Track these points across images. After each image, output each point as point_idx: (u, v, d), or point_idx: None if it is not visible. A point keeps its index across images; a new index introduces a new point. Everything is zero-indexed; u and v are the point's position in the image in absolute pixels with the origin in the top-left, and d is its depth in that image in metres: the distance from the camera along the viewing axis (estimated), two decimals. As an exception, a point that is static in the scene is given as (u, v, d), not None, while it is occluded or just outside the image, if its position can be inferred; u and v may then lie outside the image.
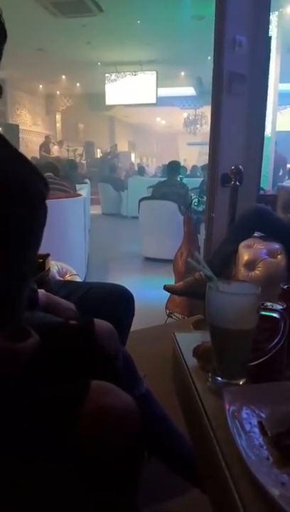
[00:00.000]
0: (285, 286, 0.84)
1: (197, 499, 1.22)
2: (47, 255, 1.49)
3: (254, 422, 0.60)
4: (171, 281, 3.17)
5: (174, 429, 1.16)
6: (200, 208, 4.31)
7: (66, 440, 0.74)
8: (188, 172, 10.72)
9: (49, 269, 1.51)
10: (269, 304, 0.76)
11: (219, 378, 0.72)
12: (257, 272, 2.08)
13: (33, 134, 13.66)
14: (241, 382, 0.71)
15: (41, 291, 1.24)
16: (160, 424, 1.16)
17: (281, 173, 8.24)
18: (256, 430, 0.58)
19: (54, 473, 0.74)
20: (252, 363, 0.70)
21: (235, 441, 0.55)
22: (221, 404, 0.64)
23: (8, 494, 0.73)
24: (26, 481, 0.74)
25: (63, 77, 12.54)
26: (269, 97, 5.27)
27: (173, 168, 5.82)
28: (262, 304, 0.73)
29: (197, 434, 0.71)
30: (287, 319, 0.70)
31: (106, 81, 11.64)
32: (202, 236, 3.30)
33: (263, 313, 0.69)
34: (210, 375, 0.75)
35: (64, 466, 0.75)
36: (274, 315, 0.70)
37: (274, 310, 0.72)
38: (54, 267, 1.85)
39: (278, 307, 0.75)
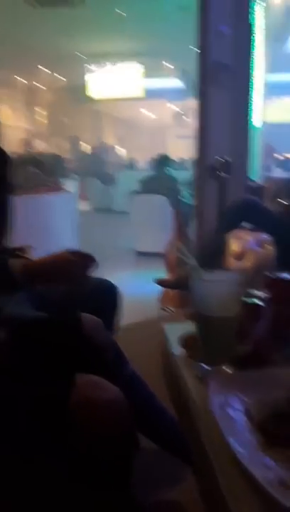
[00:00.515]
0: (270, 275, 0.85)
1: (191, 486, 1.23)
2: (28, 246, 1.44)
3: (240, 408, 0.60)
4: (163, 274, 3.17)
5: (163, 407, 1.18)
6: (190, 201, 4.31)
7: (55, 435, 0.74)
8: (177, 165, 10.72)
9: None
10: (254, 292, 0.77)
11: (206, 366, 0.72)
12: (246, 262, 2.08)
13: (16, 129, 13.49)
14: (227, 369, 0.71)
15: (12, 261, 1.04)
16: (149, 402, 1.18)
17: (269, 164, 8.27)
18: (241, 416, 0.59)
19: (46, 468, 0.74)
20: (238, 350, 0.71)
21: (221, 428, 0.56)
22: (207, 391, 0.64)
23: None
24: (20, 476, 0.75)
25: (45, 69, 12.39)
26: (256, 88, 5.28)
27: (162, 161, 5.81)
28: (248, 293, 0.74)
29: (186, 422, 0.72)
30: (271, 307, 0.70)
31: (91, 74, 11.56)
32: (193, 229, 3.30)
33: (248, 301, 0.70)
34: (196, 363, 0.75)
35: (55, 460, 0.75)
36: (259, 302, 0.71)
37: (258, 298, 0.73)
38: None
39: (264, 295, 0.75)
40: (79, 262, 1.08)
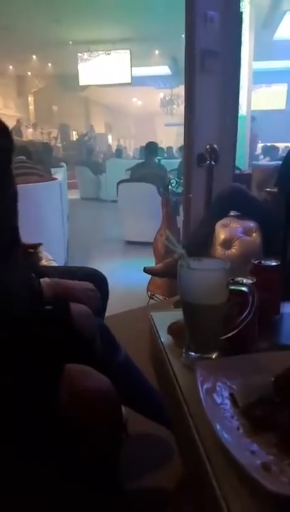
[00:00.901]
0: (255, 262, 0.85)
1: (177, 472, 1.26)
2: (40, 244, 1.43)
3: (226, 394, 0.61)
4: (152, 263, 3.18)
5: (152, 386, 1.20)
6: (179, 190, 4.30)
7: (45, 424, 0.74)
8: (165, 153, 10.66)
9: (41, 258, 1.43)
10: (239, 279, 0.77)
11: (193, 353, 0.73)
12: (233, 250, 2.10)
13: (5, 117, 13.24)
14: (213, 356, 0.72)
15: (44, 280, 1.10)
16: (140, 385, 1.20)
17: (257, 152, 8.27)
18: (228, 402, 0.59)
19: (34, 454, 0.75)
20: (224, 337, 0.71)
21: (207, 414, 0.56)
22: (194, 378, 0.65)
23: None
24: (14, 467, 0.75)
25: (34, 57, 12.18)
26: (243, 76, 5.25)
27: (151, 149, 5.77)
28: (233, 279, 0.74)
29: (172, 409, 0.72)
30: (256, 293, 0.70)
31: (79, 61, 11.36)
32: (181, 217, 3.30)
33: (232, 287, 0.70)
34: (183, 350, 0.76)
35: (45, 447, 0.76)
36: (243, 289, 0.71)
37: (243, 284, 0.73)
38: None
39: (248, 281, 0.75)
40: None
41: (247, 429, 0.54)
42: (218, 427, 0.54)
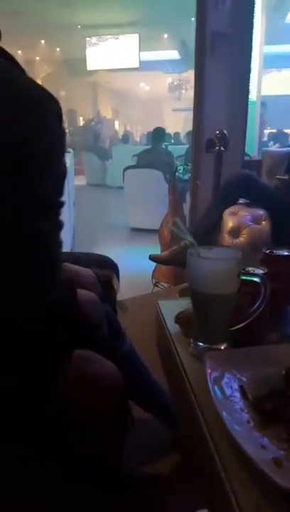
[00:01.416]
0: (267, 251, 0.83)
1: (176, 459, 1.26)
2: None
3: (235, 386, 0.60)
4: (158, 250, 3.16)
5: (153, 379, 1.21)
6: (186, 176, 4.26)
7: (50, 409, 0.74)
8: (172, 139, 10.55)
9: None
10: (250, 268, 0.75)
11: (201, 343, 0.72)
12: (242, 238, 2.07)
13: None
14: (222, 347, 0.70)
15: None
16: (142, 377, 1.20)
17: (265, 139, 8.16)
18: (237, 394, 0.58)
19: (39, 441, 0.74)
20: (233, 328, 0.70)
21: (216, 406, 0.55)
22: (202, 369, 0.64)
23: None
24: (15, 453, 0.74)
25: (42, 42, 12.05)
26: (254, 60, 5.14)
27: (158, 135, 5.71)
28: (244, 269, 0.72)
29: (179, 399, 0.71)
30: (268, 284, 0.69)
31: (87, 45, 11.22)
32: (188, 205, 3.27)
33: (244, 277, 0.68)
34: (191, 340, 0.74)
35: (49, 434, 0.75)
36: (255, 279, 0.69)
37: (255, 274, 0.71)
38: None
39: (260, 272, 0.74)
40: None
41: (257, 422, 0.53)
42: (228, 419, 0.53)
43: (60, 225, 0.67)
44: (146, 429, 1.32)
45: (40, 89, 0.62)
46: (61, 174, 0.64)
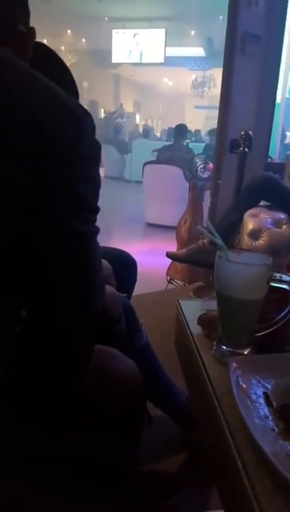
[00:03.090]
0: (294, 258, 0.83)
1: (194, 460, 1.27)
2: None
3: (260, 392, 0.59)
4: (173, 247, 3.16)
5: (168, 376, 1.21)
6: (205, 175, 4.24)
7: (69, 404, 0.74)
8: (193, 136, 10.49)
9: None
10: (277, 275, 0.75)
11: (224, 347, 0.71)
12: (261, 241, 2.06)
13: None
14: (246, 352, 0.70)
15: None
16: (158, 373, 1.21)
17: (286, 141, 8.07)
18: (262, 401, 0.58)
19: (56, 437, 0.75)
20: (258, 334, 0.70)
21: (240, 410, 0.55)
22: (225, 372, 0.64)
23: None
24: (29, 440, 0.75)
25: (68, 31, 12.06)
26: (282, 61, 5.07)
27: (180, 131, 5.68)
28: (271, 275, 0.72)
29: (200, 401, 0.72)
30: (296, 291, 0.68)
31: (113, 37, 11.19)
32: (206, 203, 3.26)
33: (273, 284, 0.68)
34: (214, 343, 0.74)
35: (67, 428, 0.76)
36: (284, 286, 0.69)
37: (283, 281, 0.71)
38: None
39: (288, 279, 0.73)
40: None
41: (282, 430, 0.53)
42: (252, 425, 0.53)
43: (96, 230, 0.69)
44: (154, 426, 1.33)
45: (78, 103, 0.65)
46: (96, 182, 0.66)
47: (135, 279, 1.41)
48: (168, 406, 1.28)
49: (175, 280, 3.20)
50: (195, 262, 2.35)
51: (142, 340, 1.20)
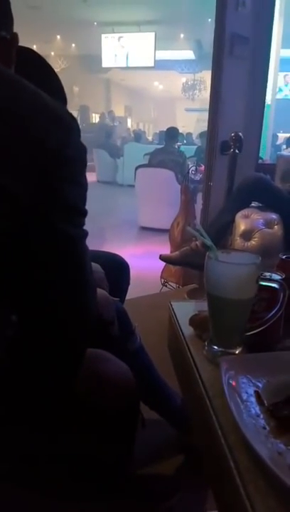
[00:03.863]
0: (283, 257, 0.83)
1: (191, 462, 1.26)
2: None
3: (251, 391, 0.59)
4: (167, 250, 3.17)
5: (162, 378, 1.21)
6: (197, 177, 4.25)
7: (63, 407, 0.74)
8: (184, 139, 10.53)
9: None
10: (267, 274, 0.75)
11: (216, 347, 0.72)
12: (253, 242, 2.07)
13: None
14: (237, 352, 0.70)
15: None
16: (151, 376, 1.21)
17: (278, 143, 8.13)
18: (253, 399, 0.58)
19: (50, 440, 0.75)
20: (249, 333, 0.70)
21: (231, 410, 0.55)
22: (217, 372, 0.64)
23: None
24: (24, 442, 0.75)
25: (58, 37, 12.09)
26: (270, 63, 5.11)
27: (171, 135, 5.71)
28: (261, 274, 0.72)
29: (193, 402, 0.72)
30: (286, 290, 0.69)
31: (103, 42, 11.22)
32: (198, 206, 3.27)
33: (262, 283, 0.68)
34: (206, 343, 0.75)
35: (59, 433, 0.76)
36: (273, 285, 0.69)
37: (272, 280, 0.71)
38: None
39: (277, 277, 0.73)
40: None
41: (273, 428, 0.53)
42: (243, 424, 0.53)
43: (85, 233, 0.69)
44: (151, 429, 1.33)
45: (65, 109, 0.66)
46: (83, 185, 0.67)
47: (128, 282, 1.41)
48: (163, 409, 1.28)
49: (170, 283, 3.20)
50: (189, 264, 2.36)
51: (136, 343, 1.20)
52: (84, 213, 0.68)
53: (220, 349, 0.71)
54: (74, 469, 0.78)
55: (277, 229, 2.08)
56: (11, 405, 0.73)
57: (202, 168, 3.61)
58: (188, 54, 12.71)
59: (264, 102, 2.80)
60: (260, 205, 2.23)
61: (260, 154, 4.21)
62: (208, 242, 0.70)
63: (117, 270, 1.37)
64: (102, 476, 0.83)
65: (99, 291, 1.07)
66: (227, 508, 0.53)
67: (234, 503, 0.48)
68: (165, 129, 6.02)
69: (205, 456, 0.63)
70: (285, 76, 11.36)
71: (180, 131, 10.00)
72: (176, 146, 5.77)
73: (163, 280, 3.21)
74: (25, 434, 0.73)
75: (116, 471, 0.86)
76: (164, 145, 5.79)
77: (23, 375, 0.72)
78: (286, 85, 11.75)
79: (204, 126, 3.90)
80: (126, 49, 11.10)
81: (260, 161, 3.57)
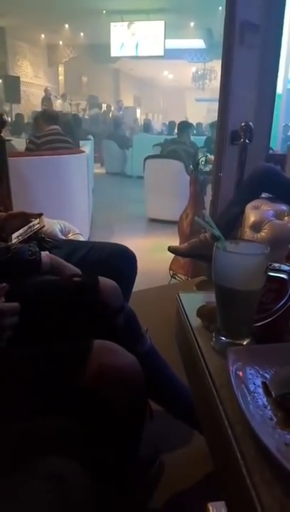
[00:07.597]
0: (293, 248, 0.82)
1: (198, 453, 1.26)
2: (41, 214, 1.44)
3: (258, 382, 0.59)
4: (175, 242, 3.15)
5: (175, 378, 1.21)
6: (207, 168, 4.21)
7: (68, 397, 0.74)
8: (195, 130, 10.42)
9: (43, 226, 1.43)
10: (276, 264, 0.74)
11: (223, 338, 0.71)
12: (263, 233, 2.05)
13: (35, 86, 13.18)
14: (245, 343, 0.70)
15: (45, 253, 1.17)
16: (162, 377, 1.20)
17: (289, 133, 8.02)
18: (260, 391, 0.58)
19: (57, 430, 0.75)
20: (257, 324, 0.69)
21: (238, 401, 0.55)
22: (224, 363, 0.63)
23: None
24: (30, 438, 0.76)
25: (66, 26, 11.98)
26: (282, 51, 5.03)
27: (184, 128, 5.66)
28: (269, 265, 0.72)
29: (200, 393, 0.71)
30: (295, 281, 0.68)
31: (112, 31, 11.11)
32: (208, 197, 3.24)
33: (271, 274, 0.67)
34: (213, 334, 0.74)
35: (66, 423, 0.76)
36: (282, 276, 0.68)
37: (281, 271, 0.70)
38: (56, 225, 1.81)
39: (286, 268, 0.73)
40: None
41: (280, 420, 0.53)
42: (250, 415, 0.53)
43: None
44: (158, 423, 1.33)
45: None
46: None
47: (135, 273, 1.41)
48: (175, 410, 1.26)
49: (178, 275, 3.19)
50: (197, 256, 2.34)
51: (146, 345, 1.18)
52: None
53: (228, 340, 0.71)
54: (81, 461, 0.78)
55: (287, 220, 2.06)
56: (17, 398, 0.73)
57: (212, 158, 3.58)
58: (199, 43, 12.53)
59: (275, 92, 2.76)
60: (270, 196, 2.20)
61: (271, 145, 4.16)
62: (217, 232, 0.69)
63: (123, 260, 1.37)
64: (108, 468, 0.83)
65: (108, 280, 1.08)
66: (233, 498, 0.53)
67: (240, 493, 0.48)
68: (174, 120, 5.97)
69: (212, 447, 0.63)
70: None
71: (190, 121, 9.91)
72: (186, 137, 5.71)
73: (171, 272, 3.20)
74: (30, 425, 0.74)
75: (122, 462, 0.86)
76: (177, 135, 5.74)
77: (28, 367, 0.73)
78: (298, 74, 11.55)
79: (214, 117, 3.86)
80: (135, 38, 10.98)
81: (271, 151, 3.52)
